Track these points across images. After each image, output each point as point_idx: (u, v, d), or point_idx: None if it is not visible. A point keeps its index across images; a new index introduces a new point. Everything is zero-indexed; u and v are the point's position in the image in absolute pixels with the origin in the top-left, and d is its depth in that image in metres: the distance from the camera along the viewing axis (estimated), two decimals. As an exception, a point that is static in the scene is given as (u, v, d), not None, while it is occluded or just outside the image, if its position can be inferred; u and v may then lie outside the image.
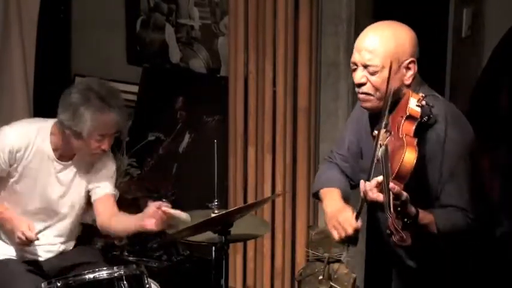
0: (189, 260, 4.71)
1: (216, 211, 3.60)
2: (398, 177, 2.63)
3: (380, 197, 2.66)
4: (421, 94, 2.78)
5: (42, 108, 4.87)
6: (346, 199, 3.13)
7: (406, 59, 2.85)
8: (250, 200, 4.63)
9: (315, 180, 3.30)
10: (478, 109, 4.17)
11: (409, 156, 2.65)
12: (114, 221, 3.81)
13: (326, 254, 4.21)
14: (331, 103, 4.39)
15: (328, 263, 4.21)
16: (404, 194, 2.61)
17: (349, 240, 2.90)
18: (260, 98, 4.53)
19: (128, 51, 5.17)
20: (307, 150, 4.40)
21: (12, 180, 3.72)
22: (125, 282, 3.45)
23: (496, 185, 3.89)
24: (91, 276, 3.45)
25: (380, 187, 2.67)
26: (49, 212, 3.79)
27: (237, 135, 4.60)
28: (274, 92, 4.49)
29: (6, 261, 3.74)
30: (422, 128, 2.77)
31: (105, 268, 3.51)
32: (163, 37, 5.06)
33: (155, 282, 3.70)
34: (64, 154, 3.73)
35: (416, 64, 2.87)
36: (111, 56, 5.20)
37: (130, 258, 4.59)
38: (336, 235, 2.90)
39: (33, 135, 3.70)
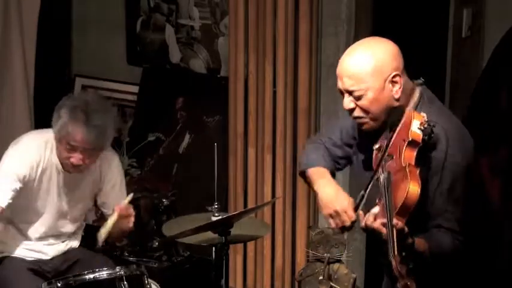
0: (189, 261, 4.71)
1: (216, 214, 3.61)
2: (401, 212, 2.62)
3: (380, 227, 2.64)
4: (423, 115, 2.74)
5: (42, 108, 4.86)
6: (333, 173, 3.14)
7: (390, 74, 2.81)
8: (250, 200, 4.63)
9: (302, 159, 3.27)
10: (478, 109, 4.16)
11: (413, 190, 2.63)
12: None
13: (326, 255, 4.19)
14: (331, 104, 4.38)
15: (328, 263, 4.19)
16: (406, 229, 2.60)
17: (345, 229, 2.91)
18: (260, 99, 4.53)
19: (128, 52, 5.15)
20: (307, 151, 4.42)
21: (26, 196, 3.71)
22: (125, 282, 3.45)
23: (496, 187, 3.89)
24: (91, 276, 3.45)
25: (383, 222, 2.64)
26: (57, 218, 3.81)
27: (237, 135, 4.60)
28: (275, 93, 4.49)
29: (9, 260, 3.76)
30: (424, 150, 2.74)
31: (105, 268, 3.51)
32: (163, 37, 5.04)
33: (155, 283, 3.69)
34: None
35: (402, 76, 2.83)
36: (112, 56, 5.18)
37: (131, 259, 4.60)
38: (332, 224, 2.92)
39: (43, 149, 3.70)
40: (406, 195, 2.62)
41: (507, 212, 3.81)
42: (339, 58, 4.24)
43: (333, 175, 3.15)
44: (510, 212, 3.81)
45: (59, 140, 3.61)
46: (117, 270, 3.48)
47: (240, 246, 4.63)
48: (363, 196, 2.82)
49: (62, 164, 3.68)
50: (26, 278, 3.69)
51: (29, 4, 4.86)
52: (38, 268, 3.77)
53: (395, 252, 2.52)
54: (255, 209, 4.21)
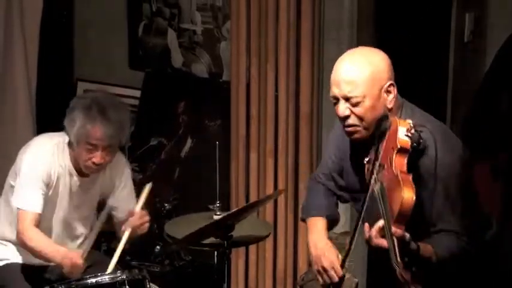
0: (191, 265, 4.72)
1: (218, 213, 3.65)
2: (399, 220, 2.62)
3: (384, 243, 2.64)
4: (408, 121, 2.75)
5: (44, 112, 4.94)
6: (335, 221, 3.21)
7: (385, 83, 2.84)
8: None
9: (304, 206, 3.34)
10: (480, 114, 4.17)
11: (408, 196, 2.63)
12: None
13: None
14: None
15: None
16: (407, 235, 2.61)
17: (334, 285, 2.98)
18: (262, 103, 4.53)
19: (130, 56, 5.17)
20: (309, 155, 4.40)
21: (45, 201, 3.70)
22: (127, 286, 3.45)
23: (496, 192, 3.89)
24: (93, 280, 3.45)
25: (382, 232, 2.65)
26: (66, 223, 3.82)
27: (239, 139, 4.59)
28: (276, 97, 4.48)
29: (6, 267, 3.76)
30: (414, 156, 2.74)
31: (107, 273, 3.51)
32: (165, 42, 5.06)
33: (157, 287, 3.69)
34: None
35: (395, 86, 2.86)
36: (114, 60, 5.21)
37: (133, 263, 4.60)
38: (320, 280, 3.01)
39: (54, 154, 3.71)
40: (402, 202, 2.62)
41: (508, 216, 3.81)
42: None
43: (341, 202, 3.23)
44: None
45: (77, 142, 3.60)
46: (119, 274, 3.48)
47: (242, 250, 4.62)
48: (349, 249, 2.88)
49: (83, 166, 3.66)
50: (24, 285, 3.70)
51: (31, 8, 4.88)
52: (37, 273, 3.75)
53: (398, 259, 2.54)
54: (256, 203, 4.14)
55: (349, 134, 2.91)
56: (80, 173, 3.71)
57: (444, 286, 2.93)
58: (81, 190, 3.76)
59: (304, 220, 3.26)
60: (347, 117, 2.86)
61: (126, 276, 3.47)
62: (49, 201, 3.70)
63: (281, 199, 4.51)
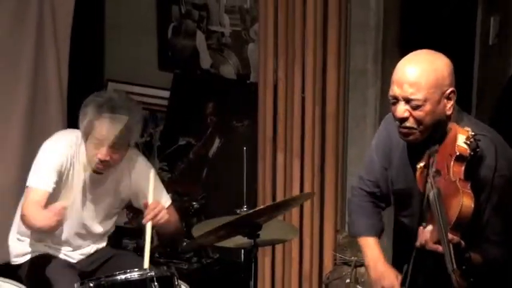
0: (218, 263, 4.76)
1: None
2: (456, 227, 2.62)
3: (440, 248, 2.63)
4: (467, 129, 2.72)
5: (75, 111, 4.70)
6: (382, 230, 3.22)
7: (447, 89, 2.80)
8: None
9: (352, 223, 3.30)
10: (504, 116, 4.18)
11: (467, 204, 2.63)
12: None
13: (353, 258, 4.22)
14: (359, 109, 4.39)
15: (355, 266, 4.22)
16: (463, 242, 2.63)
17: None
18: (289, 104, 4.51)
19: (159, 57, 5.15)
20: (335, 155, 4.39)
21: (56, 192, 3.75)
22: (155, 283, 3.46)
23: None
24: (123, 277, 3.47)
25: (436, 238, 2.65)
26: (86, 218, 3.86)
27: (266, 140, 4.59)
28: (303, 98, 4.47)
29: (48, 256, 3.80)
30: (470, 164, 2.72)
31: (136, 269, 3.52)
32: (194, 43, 5.05)
33: (185, 284, 3.72)
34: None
35: (455, 94, 2.82)
36: (143, 61, 5.19)
37: (161, 260, 4.60)
38: None
39: (69, 147, 3.77)
40: (460, 210, 2.62)
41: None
42: (367, 64, 4.29)
43: (383, 209, 3.22)
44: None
45: (86, 136, 3.68)
46: (148, 271, 3.50)
47: (269, 249, 4.61)
48: (408, 267, 2.86)
49: (90, 163, 3.71)
50: (67, 273, 3.75)
51: (62, 10, 4.87)
52: (70, 266, 3.82)
53: (455, 267, 2.52)
54: (283, 203, 4.02)
55: (404, 135, 2.86)
56: (95, 168, 3.75)
57: None
58: (94, 185, 3.80)
59: (353, 236, 3.30)
60: (405, 119, 2.82)
61: (155, 273, 3.48)
62: (63, 195, 3.73)
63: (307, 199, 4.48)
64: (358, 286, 4.23)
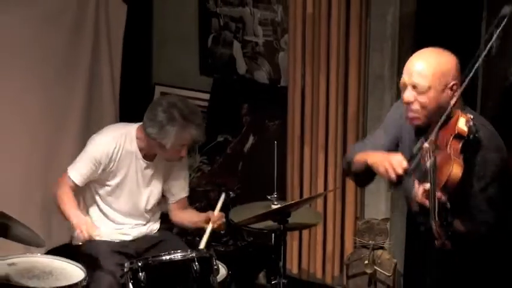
0: (251, 245, 4.88)
1: (275, 202, 3.79)
2: (444, 188, 2.78)
3: (426, 202, 2.81)
4: (469, 115, 2.88)
5: (126, 111, 5.09)
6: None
7: (451, 81, 2.97)
8: (306, 192, 4.72)
9: (346, 155, 3.40)
10: (509, 116, 4.22)
11: (456, 171, 2.78)
12: (182, 216, 4.12)
13: (371, 242, 4.44)
14: (376, 110, 4.54)
15: (373, 249, 4.43)
16: (448, 204, 2.79)
17: (396, 182, 2.98)
18: (315, 105, 4.65)
19: (200, 64, 5.27)
20: (355, 150, 4.52)
21: (107, 179, 3.96)
22: (196, 263, 3.60)
23: None
24: (167, 257, 3.62)
25: (427, 193, 2.81)
26: (135, 202, 4.03)
27: (294, 137, 4.73)
28: (328, 101, 4.61)
29: (96, 242, 3.88)
30: (468, 148, 2.86)
31: (179, 251, 3.66)
32: (231, 52, 5.18)
33: (222, 264, 3.91)
34: (148, 154, 3.98)
35: (459, 87, 2.96)
36: (186, 67, 5.31)
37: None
38: (385, 175, 2.99)
39: (121, 139, 3.93)
40: (450, 174, 2.78)
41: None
42: (385, 70, 4.37)
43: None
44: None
45: (171, 147, 3.81)
46: (190, 252, 3.63)
47: (296, 233, 4.75)
48: (417, 153, 2.92)
49: (167, 159, 3.91)
50: (111, 257, 3.86)
51: (115, 23, 5.04)
52: (121, 250, 3.94)
53: (436, 218, 2.70)
54: (309, 199, 4.31)
55: (410, 119, 3.02)
56: (145, 156, 3.95)
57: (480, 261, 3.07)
58: (147, 171, 3.97)
59: (348, 164, 3.27)
60: (411, 102, 2.98)
61: (196, 254, 3.61)
62: (113, 180, 3.93)
63: (331, 187, 4.63)
64: (375, 266, 4.43)
